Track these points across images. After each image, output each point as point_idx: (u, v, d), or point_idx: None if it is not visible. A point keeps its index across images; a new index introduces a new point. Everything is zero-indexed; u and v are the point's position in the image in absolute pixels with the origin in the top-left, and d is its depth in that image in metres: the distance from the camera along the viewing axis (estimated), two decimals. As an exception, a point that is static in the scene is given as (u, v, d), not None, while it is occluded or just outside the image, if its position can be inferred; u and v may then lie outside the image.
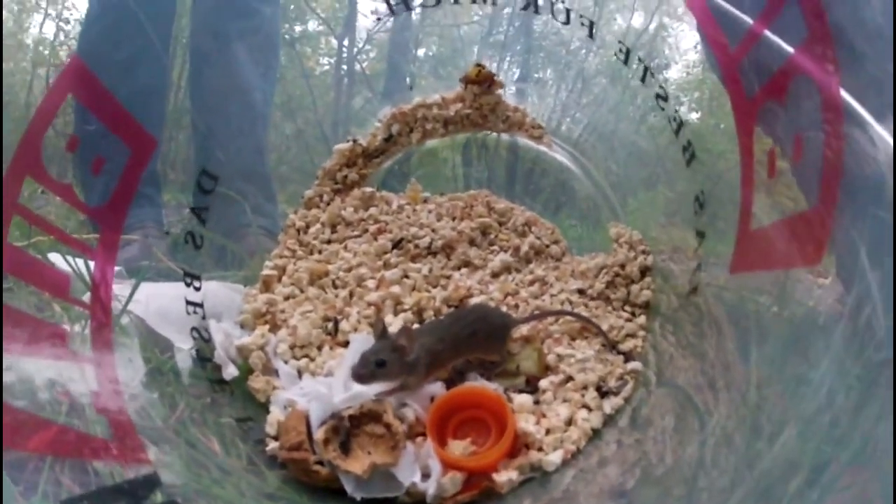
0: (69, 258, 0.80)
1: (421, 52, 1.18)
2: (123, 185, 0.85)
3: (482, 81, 1.05)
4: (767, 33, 0.73)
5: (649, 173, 1.06)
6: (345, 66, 1.16)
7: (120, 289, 0.83)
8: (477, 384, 0.85)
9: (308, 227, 1.01)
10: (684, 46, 1.00)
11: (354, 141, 1.04)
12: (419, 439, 0.81)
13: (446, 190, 1.08)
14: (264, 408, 0.86)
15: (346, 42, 1.17)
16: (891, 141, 0.64)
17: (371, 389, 0.82)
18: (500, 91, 1.06)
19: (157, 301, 0.85)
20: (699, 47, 0.97)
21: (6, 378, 0.68)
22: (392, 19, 1.06)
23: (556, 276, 0.98)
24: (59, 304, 0.78)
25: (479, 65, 1.04)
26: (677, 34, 1.01)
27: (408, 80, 1.13)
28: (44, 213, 0.79)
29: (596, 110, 1.10)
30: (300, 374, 0.88)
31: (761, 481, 0.66)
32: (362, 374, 0.79)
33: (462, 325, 0.86)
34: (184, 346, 0.86)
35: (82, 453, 0.69)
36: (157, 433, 0.76)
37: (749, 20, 0.76)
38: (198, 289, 0.91)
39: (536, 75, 1.16)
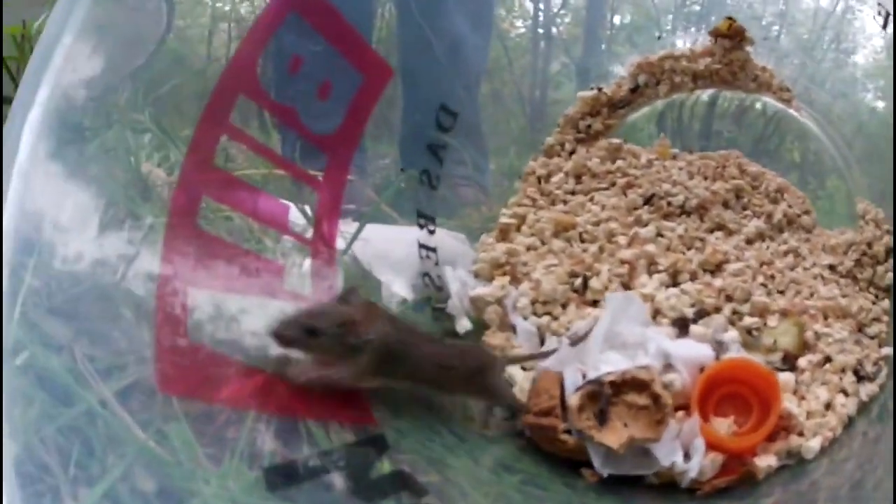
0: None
1: (616, 19, 1.06)
2: (354, 112, 0.75)
3: (733, 36, 0.93)
4: None
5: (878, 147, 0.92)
6: (541, 30, 1.05)
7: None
8: (744, 357, 0.74)
9: (550, 175, 0.90)
10: (870, 30, 0.90)
11: (599, 89, 0.93)
12: (680, 413, 0.70)
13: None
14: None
15: (541, 5, 1.05)
16: None
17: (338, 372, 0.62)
18: (749, 48, 0.93)
19: (378, 244, 0.76)
20: (884, 33, 0.86)
21: (200, 315, 0.58)
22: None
23: (809, 249, 0.86)
24: (272, 239, 0.68)
25: (729, 18, 0.92)
26: (863, 17, 0.91)
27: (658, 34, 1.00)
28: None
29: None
30: (540, 332, 0.77)
31: None
32: (282, 335, 0.58)
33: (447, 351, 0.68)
34: (404, 294, 0.77)
35: (294, 410, 0.58)
36: (385, 390, 0.65)
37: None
38: (432, 232, 0.82)
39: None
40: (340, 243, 0.73)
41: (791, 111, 0.95)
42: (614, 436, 0.66)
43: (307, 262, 0.69)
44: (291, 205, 0.70)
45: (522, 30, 1.08)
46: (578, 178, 0.89)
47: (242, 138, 0.67)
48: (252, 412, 0.55)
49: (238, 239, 0.65)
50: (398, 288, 0.77)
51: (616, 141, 0.91)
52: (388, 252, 0.78)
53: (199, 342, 0.56)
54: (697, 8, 1.04)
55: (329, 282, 0.69)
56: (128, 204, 0.57)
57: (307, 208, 0.71)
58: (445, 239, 0.83)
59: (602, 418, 0.67)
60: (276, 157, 0.70)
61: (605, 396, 0.68)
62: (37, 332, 0.47)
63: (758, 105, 0.98)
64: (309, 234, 0.70)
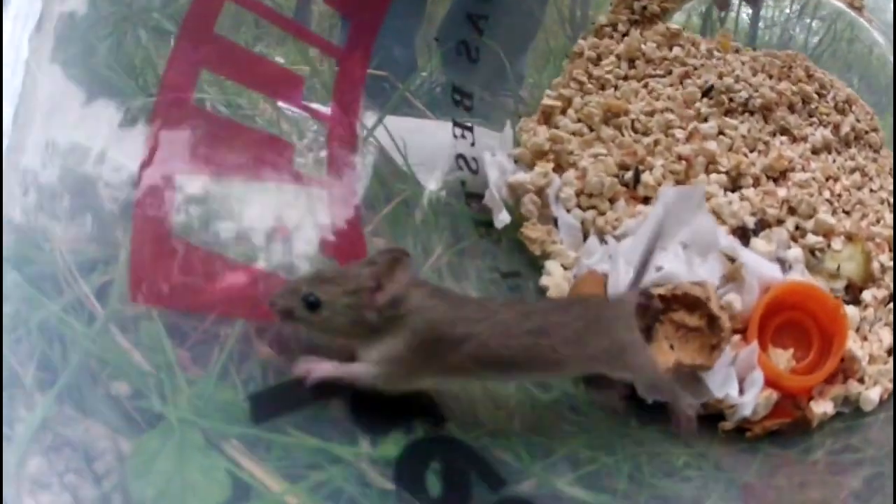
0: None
1: None
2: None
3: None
4: None
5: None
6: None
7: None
8: (811, 282, 0.61)
9: (599, 58, 0.75)
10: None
11: (659, -33, 0.79)
12: (735, 338, 0.57)
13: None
14: (534, 263, 0.63)
15: None
16: None
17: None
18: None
19: (405, 134, 0.61)
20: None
21: (189, 206, 0.45)
22: None
23: (876, 171, 0.72)
24: (285, 118, 0.54)
25: None
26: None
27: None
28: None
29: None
30: (584, 228, 0.64)
31: None
32: (278, 306, 0.42)
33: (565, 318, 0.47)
34: (431, 186, 0.63)
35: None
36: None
37: None
38: (469, 108, 0.67)
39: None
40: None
41: (862, 20, 0.82)
42: (660, 358, 0.54)
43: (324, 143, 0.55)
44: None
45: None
46: (631, 62, 0.74)
47: (249, 3, 0.53)
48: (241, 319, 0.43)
49: (243, 117, 0.51)
50: (428, 179, 0.63)
51: (675, 26, 0.76)
52: (418, 143, 0.63)
53: (185, 238, 0.44)
54: None
55: (349, 164, 0.56)
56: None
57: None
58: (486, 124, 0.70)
59: (647, 337, 0.55)
60: (289, 23, 0.56)
61: (652, 312, 0.55)
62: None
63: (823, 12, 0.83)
64: (327, 109, 0.56)
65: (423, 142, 0.64)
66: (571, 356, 0.46)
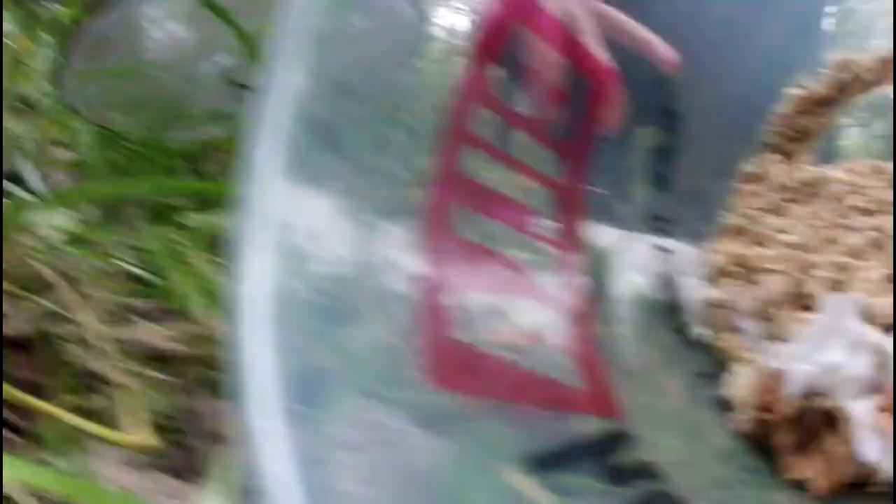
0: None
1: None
2: (588, 116, 0.71)
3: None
4: None
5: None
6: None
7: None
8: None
9: (763, 179, 0.85)
10: None
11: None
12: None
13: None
14: (724, 366, 0.74)
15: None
16: None
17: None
18: None
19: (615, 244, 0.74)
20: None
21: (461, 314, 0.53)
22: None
23: None
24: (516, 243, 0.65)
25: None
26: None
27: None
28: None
29: None
30: (767, 335, 0.74)
31: None
32: None
33: None
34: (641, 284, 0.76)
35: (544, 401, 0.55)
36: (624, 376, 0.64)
37: None
38: (667, 232, 0.79)
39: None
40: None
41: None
42: (805, 468, 0.62)
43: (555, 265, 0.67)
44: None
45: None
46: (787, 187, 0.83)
47: (482, 145, 0.62)
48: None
49: (488, 243, 0.61)
50: (637, 278, 0.76)
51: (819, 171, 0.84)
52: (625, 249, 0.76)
53: (465, 341, 0.52)
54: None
55: (575, 283, 0.67)
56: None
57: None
58: (685, 248, 0.81)
59: (801, 444, 0.63)
60: (515, 162, 0.67)
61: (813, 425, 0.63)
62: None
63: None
64: (555, 238, 0.68)
65: (633, 250, 0.77)
66: None
